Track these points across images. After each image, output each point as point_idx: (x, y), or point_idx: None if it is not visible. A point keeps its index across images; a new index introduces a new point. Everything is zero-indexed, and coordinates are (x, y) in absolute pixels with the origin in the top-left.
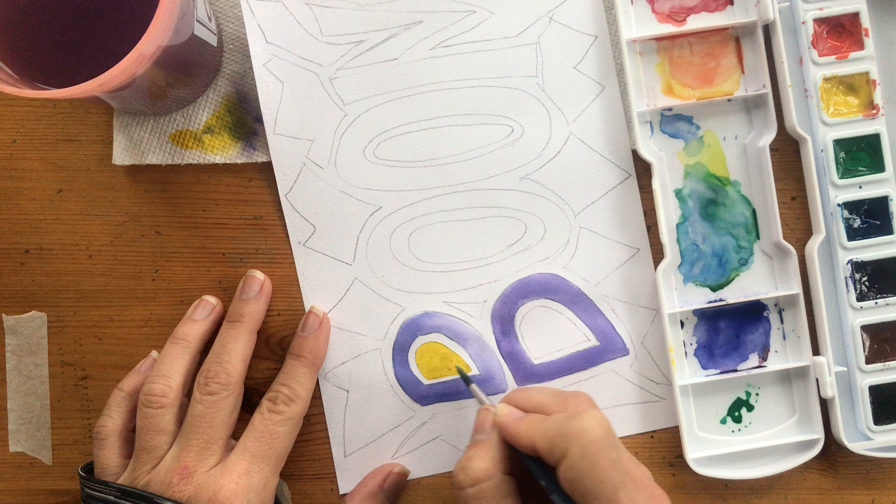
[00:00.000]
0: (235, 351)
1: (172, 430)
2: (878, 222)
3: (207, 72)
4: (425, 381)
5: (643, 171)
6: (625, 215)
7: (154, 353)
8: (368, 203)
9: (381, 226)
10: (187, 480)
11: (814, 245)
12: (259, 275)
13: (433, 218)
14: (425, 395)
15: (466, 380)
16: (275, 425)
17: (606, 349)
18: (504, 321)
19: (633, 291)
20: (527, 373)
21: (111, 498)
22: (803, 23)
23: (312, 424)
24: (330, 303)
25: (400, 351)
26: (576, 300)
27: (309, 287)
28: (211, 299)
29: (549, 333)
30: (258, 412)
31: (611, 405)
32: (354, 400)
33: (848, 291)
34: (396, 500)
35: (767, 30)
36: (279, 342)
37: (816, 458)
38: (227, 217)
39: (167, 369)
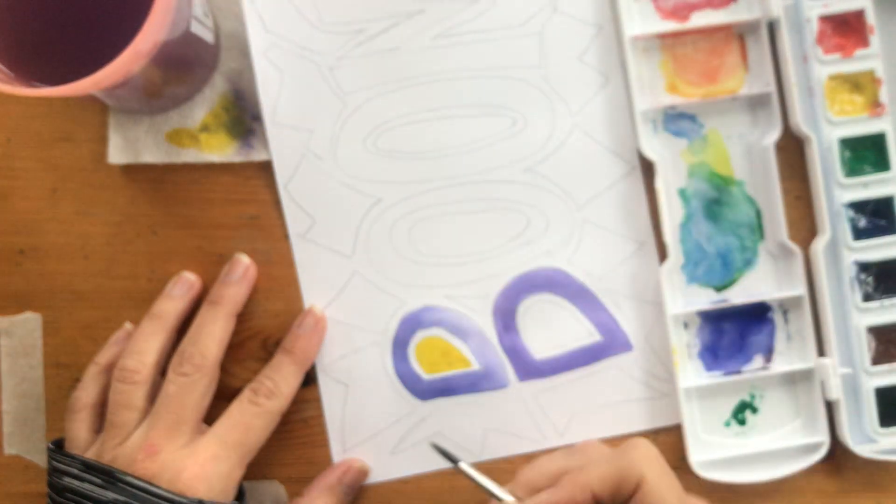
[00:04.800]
0: (212, 334)
1: (143, 407)
2: (883, 222)
3: (204, 69)
4: (425, 376)
5: (646, 169)
6: (629, 208)
7: (127, 325)
8: (368, 195)
9: (382, 218)
10: (153, 458)
11: (819, 245)
12: (245, 259)
13: (434, 210)
14: (425, 391)
15: (451, 458)
16: (252, 417)
17: (610, 345)
18: (506, 316)
19: (638, 286)
20: (528, 368)
21: (75, 471)
22: (808, 20)
23: (311, 427)
24: (329, 296)
25: (400, 345)
26: (579, 295)
27: (307, 280)
28: (189, 276)
29: (551, 328)
30: (237, 400)
31: (614, 401)
32: (353, 395)
33: (853, 292)
34: (353, 497)
35: (772, 27)
36: (276, 344)
37: (821, 461)
38: (223, 217)
39: (142, 346)
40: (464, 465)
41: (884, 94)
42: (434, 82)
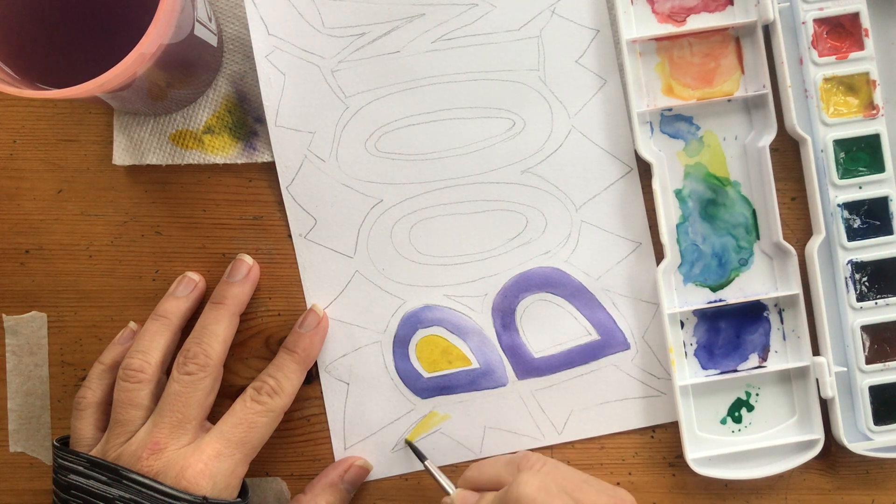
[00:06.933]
0: (216, 333)
1: (148, 405)
2: (878, 222)
3: (207, 72)
4: (425, 375)
5: (643, 171)
6: (626, 209)
7: (132, 324)
8: (369, 196)
9: (383, 219)
10: (157, 456)
11: (814, 245)
12: (248, 259)
13: (434, 211)
14: (425, 388)
15: (420, 456)
16: (255, 415)
17: (607, 343)
18: (505, 315)
19: (635, 286)
20: (527, 366)
21: (80, 468)
22: (803, 23)
23: (313, 424)
24: (331, 295)
25: (400, 344)
26: (577, 294)
27: (310, 280)
28: (194, 276)
29: (549, 327)
30: (241, 399)
31: (611, 399)
32: (355, 393)
33: (848, 292)
34: (354, 493)
35: (767, 30)
36: (279, 342)
37: (816, 458)
38: (227, 217)
39: (146, 345)
40: (428, 464)
41: (878, 97)
42: (434, 85)
